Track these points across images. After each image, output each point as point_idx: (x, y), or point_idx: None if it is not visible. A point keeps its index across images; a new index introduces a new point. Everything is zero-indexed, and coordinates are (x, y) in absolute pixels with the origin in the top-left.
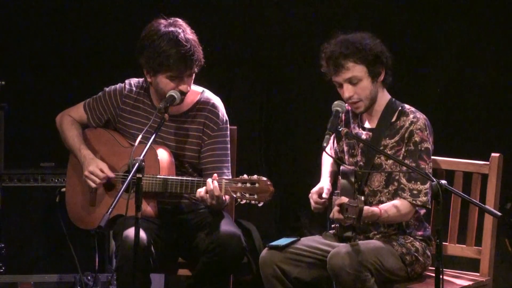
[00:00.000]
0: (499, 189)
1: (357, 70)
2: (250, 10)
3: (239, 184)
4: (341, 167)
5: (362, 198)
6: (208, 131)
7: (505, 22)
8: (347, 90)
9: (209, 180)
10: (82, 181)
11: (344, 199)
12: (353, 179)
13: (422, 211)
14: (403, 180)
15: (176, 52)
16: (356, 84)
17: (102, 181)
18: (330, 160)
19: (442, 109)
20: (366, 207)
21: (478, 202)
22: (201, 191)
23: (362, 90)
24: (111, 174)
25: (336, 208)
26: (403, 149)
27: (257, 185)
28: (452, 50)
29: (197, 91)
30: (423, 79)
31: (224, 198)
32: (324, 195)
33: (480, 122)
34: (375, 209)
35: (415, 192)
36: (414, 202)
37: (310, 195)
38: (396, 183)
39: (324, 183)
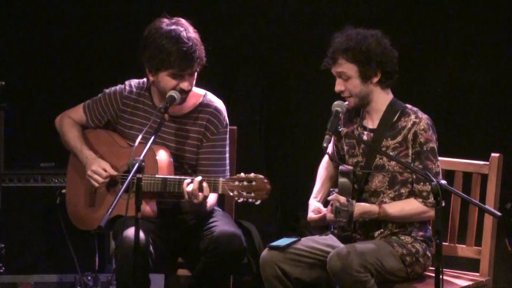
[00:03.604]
0: (499, 189)
1: (347, 67)
2: (250, 10)
3: (236, 183)
4: (340, 167)
5: (354, 201)
6: (208, 134)
7: (505, 22)
8: (338, 84)
9: (197, 179)
10: (83, 182)
11: (341, 199)
12: (351, 179)
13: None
14: (414, 183)
15: (177, 50)
16: (346, 80)
17: (105, 180)
18: (324, 172)
19: (442, 109)
20: (362, 204)
21: (478, 202)
22: (189, 186)
23: (351, 87)
24: (114, 173)
25: (329, 208)
26: (410, 152)
27: (254, 183)
28: (452, 50)
29: (199, 94)
30: (423, 79)
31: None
32: (316, 213)
33: (480, 122)
34: (372, 206)
35: (424, 194)
36: (424, 203)
37: (309, 221)
38: (409, 185)
39: (314, 204)
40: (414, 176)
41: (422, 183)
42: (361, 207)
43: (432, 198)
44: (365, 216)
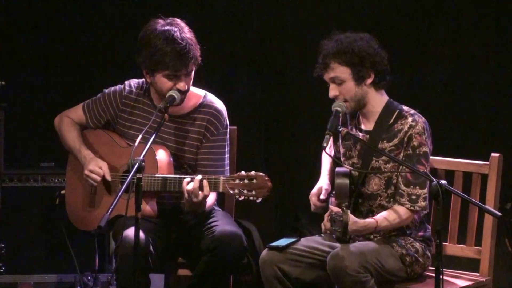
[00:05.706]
0: (499, 189)
1: (340, 71)
2: (250, 10)
3: (237, 181)
4: (336, 168)
5: (349, 211)
6: (208, 135)
7: (505, 22)
8: (332, 89)
9: (198, 178)
10: (82, 182)
11: (335, 209)
12: (348, 180)
13: (423, 212)
14: (401, 186)
15: (171, 50)
16: (340, 84)
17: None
18: (330, 158)
19: (441, 108)
20: (361, 221)
21: (478, 202)
22: (189, 184)
23: (346, 91)
24: (108, 176)
25: (326, 219)
26: (402, 154)
27: (255, 181)
28: (451, 50)
29: (199, 95)
30: (423, 79)
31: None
32: (321, 197)
33: (480, 122)
34: (370, 220)
35: (413, 197)
36: (412, 208)
37: (310, 196)
38: (393, 187)
39: (323, 182)
40: (400, 179)
41: (412, 186)
42: (357, 226)
43: (421, 202)
44: (363, 232)
